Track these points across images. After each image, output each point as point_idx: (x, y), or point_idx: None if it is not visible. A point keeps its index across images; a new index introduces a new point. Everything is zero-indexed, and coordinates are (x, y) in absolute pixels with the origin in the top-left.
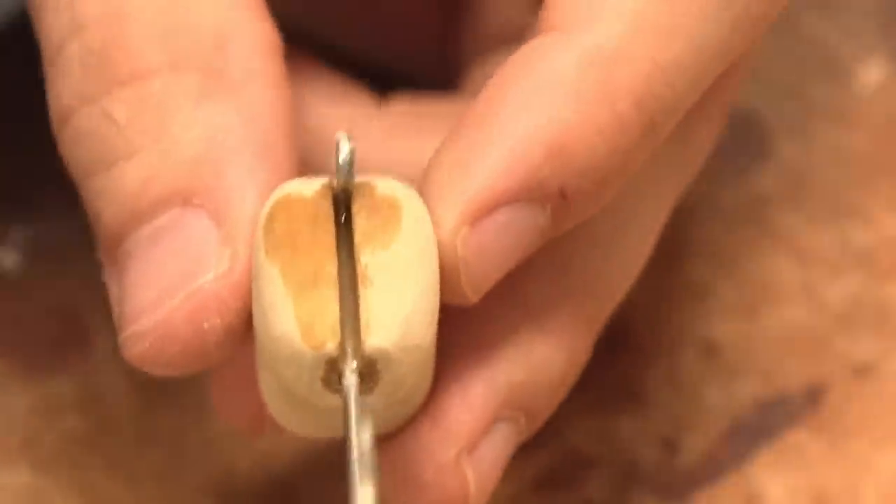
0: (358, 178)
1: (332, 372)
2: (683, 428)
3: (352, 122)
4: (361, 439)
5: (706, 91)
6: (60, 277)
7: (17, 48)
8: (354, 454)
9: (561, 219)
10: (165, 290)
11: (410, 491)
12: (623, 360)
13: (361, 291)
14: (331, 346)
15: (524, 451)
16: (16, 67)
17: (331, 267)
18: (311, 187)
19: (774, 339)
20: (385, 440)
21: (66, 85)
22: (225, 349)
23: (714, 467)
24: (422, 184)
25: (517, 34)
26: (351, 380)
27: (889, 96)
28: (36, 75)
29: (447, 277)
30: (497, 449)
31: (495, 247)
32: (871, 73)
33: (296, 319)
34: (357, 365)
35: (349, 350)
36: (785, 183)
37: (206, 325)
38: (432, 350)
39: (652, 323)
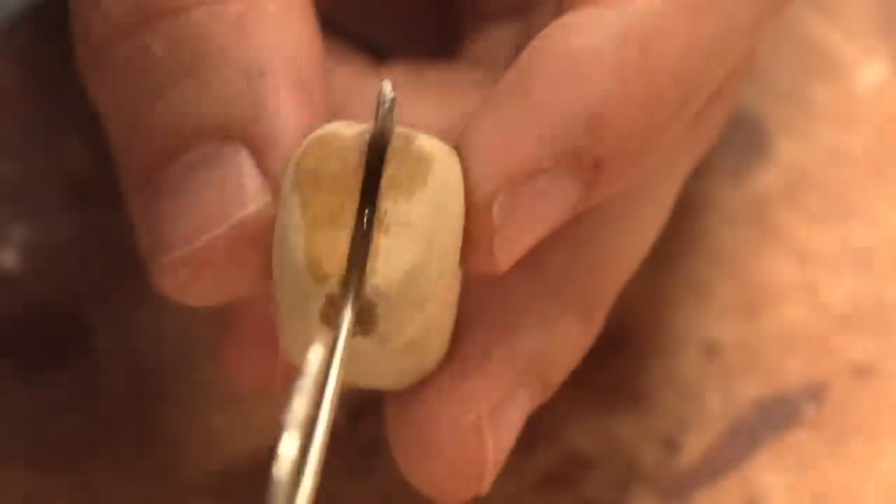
0: (401, 129)
1: (331, 308)
2: (683, 428)
3: (349, 83)
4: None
5: None
6: (60, 277)
7: (18, 48)
8: (332, 387)
9: (592, 191)
10: (206, 220)
11: (430, 453)
12: (623, 360)
13: (375, 236)
14: (332, 282)
15: (524, 451)
16: (16, 67)
17: (350, 207)
18: (351, 130)
19: (774, 339)
20: (404, 402)
21: (100, 18)
22: (258, 282)
23: (714, 467)
24: (458, 147)
25: (518, 7)
26: (345, 314)
27: (889, 96)
28: (36, 76)
29: (479, 242)
30: (514, 416)
31: (530, 214)
32: (871, 74)
33: (304, 251)
34: (354, 303)
35: (350, 288)
36: (785, 183)
37: (244, 257)
38: (442, 308)
39: (652, 323)
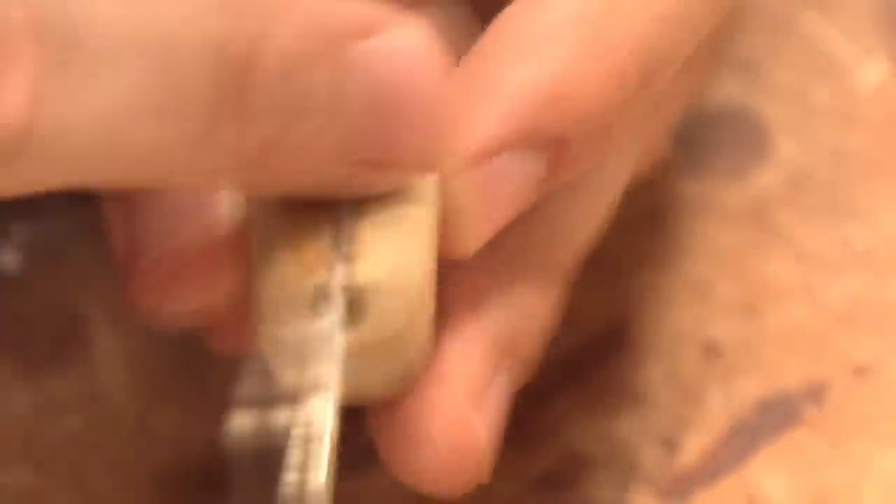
0: None
1: (320, 298)
2: (683, 428)
3: None
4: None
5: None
6: (60, 277)
7: None
8: (336, 360)
9: (559, 170)
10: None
11: (422, 449)
12: (623, 360)
13: (360, 225)
14: (320, 272)
15: (524, 451)
16: None
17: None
18: None
19: (775, 339)
20: (386, 404)
21: None
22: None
23: (714, 467)
24: None
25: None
26: (339, 301)
27: (889, 96)
28: None
29: (447, 225)
30: (499, 398)
31: (495, 192)
32: (871, 73)
33: (290, 244)
34: (345, 292)
35: (339, 277)
36: (785, 183)
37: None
38: (425, 299)
39: (652, 323)
